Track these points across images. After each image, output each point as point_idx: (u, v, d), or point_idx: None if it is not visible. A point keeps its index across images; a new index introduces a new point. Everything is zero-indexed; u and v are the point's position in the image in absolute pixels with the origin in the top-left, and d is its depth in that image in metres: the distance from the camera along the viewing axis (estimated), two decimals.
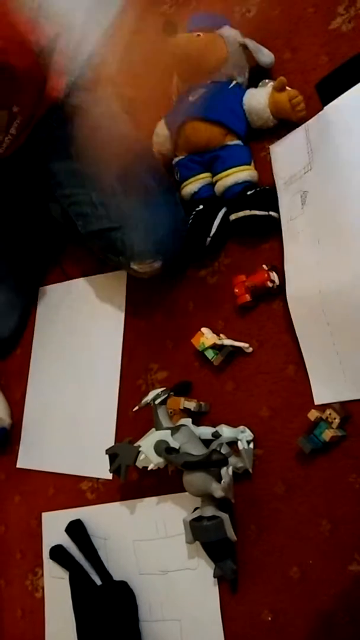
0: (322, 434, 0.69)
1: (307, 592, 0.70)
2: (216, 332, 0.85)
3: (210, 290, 0.90)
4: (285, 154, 0.81)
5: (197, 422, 0.83)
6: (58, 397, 1.08)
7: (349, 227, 0.68)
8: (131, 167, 0.88)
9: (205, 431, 0.80)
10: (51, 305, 1.15)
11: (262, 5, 0.95)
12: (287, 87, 0.82)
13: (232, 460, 0.76)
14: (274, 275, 0.79)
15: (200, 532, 0.74)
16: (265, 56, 0.87)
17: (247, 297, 0.81)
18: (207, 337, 0.83)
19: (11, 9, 0.85)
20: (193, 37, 0.85)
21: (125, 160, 0.88)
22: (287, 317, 0.77)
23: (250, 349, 0.82)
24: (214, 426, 0.80)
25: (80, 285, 1.10)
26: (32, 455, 1.10)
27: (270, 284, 0.79)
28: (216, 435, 0.79)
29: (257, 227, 0.83)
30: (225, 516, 0.72)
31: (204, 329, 0.85)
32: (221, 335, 0.84)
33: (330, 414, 0.69)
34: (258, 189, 0.83)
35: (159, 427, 0.82)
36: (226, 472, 0.72)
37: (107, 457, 0.86)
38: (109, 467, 0.85)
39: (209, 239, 0.86)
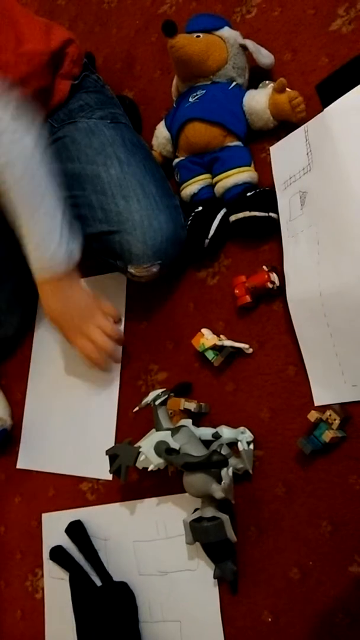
0: (322, 435, 0.69)
1: (307, 593, 0.70)
2: (216, 333, 0.85)
3: (211, 291, 0.90)
4: (285, 155, 0.81)
5: (197, 423, 0.83)
6: (58, 398, 1.08)
7: (348, 228, 0.68)
8: (131, 171, 0.88)
9: (206, 432, 0.80)
10: None
11: (262, 7, 0.95)
12: (287, 89, 0.82)
13: (232, 461, 0.76)
14: (274, 276, 0.79)
15: (201, 533, 0.74)
16: (265, 57, 0.87)
17: (247, 298, 0.81)
18: (207, 338, 0.83)
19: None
20: (193, 38, 0.85)
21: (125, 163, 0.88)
22: (287, 318, 0.77)
23: (251, 350, 0.82)
24: (214, 427, 0.80)
25: None
26: (32, 456, 1.10)
27: (270, 285, 0.79)
28: (216, 436, 0.79)
29: (257, 228, 0.83)
30: (225, 517, 0.72)
31: (204, 330, 0.85)
32: (221, 336, 0.84)
33: (330, 415, 0.69)
34: (258, 190, 0.83)
35: (159, 428, 0.82)
36: (226, 473, 0.72)
37: (107, 457, 0.86)
38: (109, 468, 0.86)
39: (207, 240, 0.87)
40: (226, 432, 0.78)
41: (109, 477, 0.93)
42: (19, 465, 1.10)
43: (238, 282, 0.82)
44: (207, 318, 0.89)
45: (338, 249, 0.70)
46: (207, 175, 0.90)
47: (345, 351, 0.70)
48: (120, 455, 0.84)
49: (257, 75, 0.90)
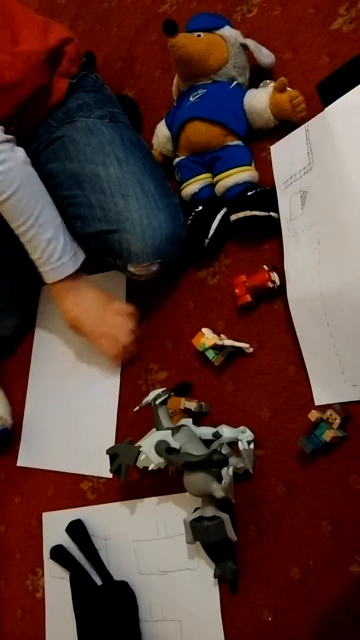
0: (322, 435, 0.69)
1: (308, 592, 0.70)
2: (217, 332, 0.85)
3: (211, 290, 0.90)
4: (285, 154, 0.81)
5: (197, 423, 0.83)
6: (58, 396, 1.08)
7: (349, 227, 0.68)
8: (130, 170, 0.88)
9: (206, 431, 0.80)
10: (52, 306, 1.15)
11: (263, 6, 0.95)
12: (288, 88, 0.82)
13: (233, 460, 0.76)
14: (275, 276, 0.79)
15: (201, 532, 0.74)
16: (266, 57, 0.87)
17: (248, 298, 0.81)
18: (207, 338, 0.83)
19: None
20: (194, 38, 0.85)
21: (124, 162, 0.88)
22: (287, 317, 0.77)
23: (251, 350, 0.82)
24: (215, 426, 0.80)
25: None
26: (32, 454, 1.10)
27: (270, 285, 0.79)
28: (217, 436, 0.79)
29: (258, 227, 0.83)
30: (225, 516, 0.72)
31: (204, 330, 0.85)
32: (222, 335, 0.84)
33: (330, 415, 0.69)
34: (258, 190, 0.83)
35: (159, 428, 0.82)
36: (227, 473, 0.72)
37: (107, 455, 0.87)
38: (109, 467, 0.86)
39: (207, 240, 0.86)
40: (226, 432, 0.78)
41: (109, 475, 0.93)
42: (19, 463, 1.11)
43: (238, 282, 0.82)
44: (208, 317, 0.89)
45: (339, 248, 0.69)
46: (208, 175, 0.90)
47: (345, 351, 0.70)
48: (121, 455, 0.84)
49: (258, 75, 0.90)
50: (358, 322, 0.67)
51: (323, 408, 0.71)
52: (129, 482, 0.89)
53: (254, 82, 0.90)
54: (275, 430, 0.77)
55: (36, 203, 0.86)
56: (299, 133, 0.79)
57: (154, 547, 0.86)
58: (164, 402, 0.84)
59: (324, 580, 0.69)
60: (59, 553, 0.96)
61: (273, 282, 0.79)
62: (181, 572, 0.82)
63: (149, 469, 0.79)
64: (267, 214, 0.81)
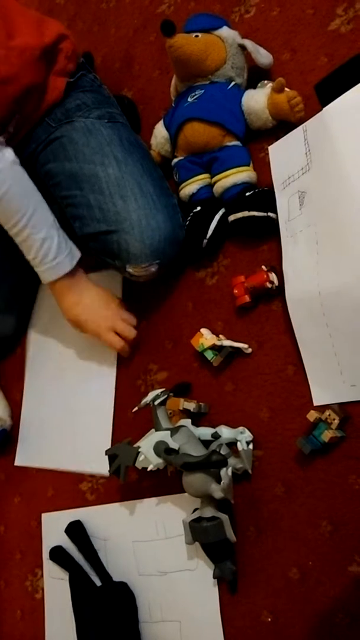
0: (321, 435, 0.69)
1: (307, 593, 0.70)
2: (215, 332, 0.85)
3: (210, 291, 0.90)
4: (283, 154, 0.81)
5: (196, 423, 0.83)
6: (55, 395, 1.09)
7: (347, 227, 0.68)
8: (129, 170, 0.88)
9: (205, 432, 0.80)
10: (47, 304, 1.15)
11: (261, 6, 0.95)
12: (286, 88, 0.82)
13: (232, 461, 0.76)
14: (273, 276, 0.79)
15: (200, 533, 0.74)
16: (264, 57, 0.87)
17: (247, 298, 0.81)
18: (206, 338, 0.83)
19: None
20: (192, 38, 0.85)
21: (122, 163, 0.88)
22: (286, 318, 0.77)
23: (250, 350, 0.82)
24: (214, 427, 0.80)
25: None
26: (30, 453, 1.10)
27: (269, 285, 0.79)
28: (216, 436, 0.79)
29: (256, 228, 0.83)
30: (224, 517, 0.72)
31: (203, 330, 0.85)
32: (220, 336, 0.84)
33: (329, 415, 0.69)
34: (257, 190, 0.83)
35: (158, 428, 0.82)
36: (226, 473, 0.72)
37: (103, 452, 0.87)
38: (108, 467, 0.86)
39: (205, 241, 0.86)
40: (225, 432, 0.78)
41: (105, 472, 0.93)
42: (17, 462, 1.11)
43: (237, 282, 0.82)
44: (206, 318, 0.89)
45: (337, 248, 0.69)
46: (206, 175, 0.90)
47: (344, 351, 0.70)
48: (120, 455, 0.84)
49: (256, 75, 0.90)
50: (356, 322, 0.67)
51: (322, 408, 0.71)
52: (128, 482, 0.89)
53: (252, 82, 0.90)
54: (274, 430, 0.77)
55: (28, 203, 0.86)
56: (297, 133, 0.79)
57: (153, 547, 0.86)
58: (162, 403, 0.84)
59: (323, 581, 0.69)
60: (58, 554, 0.96)
61: (271, 282, 0.79)
62: (180, 573, 0.82)
63: (148, 469, 0.80)
64: (265, 214, 0.81)
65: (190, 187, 0.90)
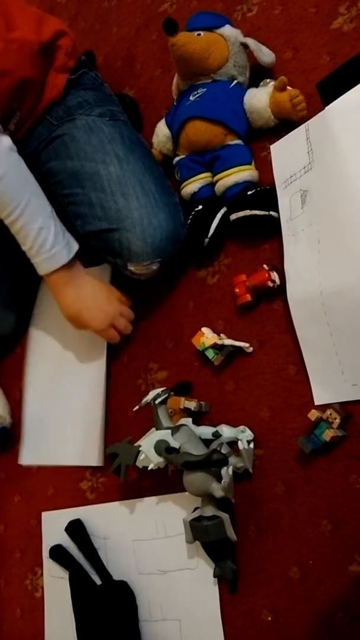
0: (322, 434, 0.69)
1: (307, 592, 0.70)
2: (216, 331, 0.85)
3: (211, 290, 0.90)
4: (285, 153, 0.81)
5: (197, 422, 0.83)
6: (53, 392, 1.09)
7: (349, 226, 0.68)
8: (130, 169, 0.88)
9: (206, 431, 0.80)
10: (47, 303, 1.15)
11: (263, 5, 0.95)
12: (288, 87, 0.82)
13: (232, 460, 0.76)
14: (275, 275, 0.79)
15: (200, 532, 0.74)
16: (266, 56, 0.87)
17: (248, 297, 0.81)
18: (207, 337, 0.83)
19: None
20: (194, 37, 0.85)
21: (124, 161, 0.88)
22: (287, 317, 0.77)
23: (251, 349, 0.82)
24: (214, 426, 0.80)
25: None
26: (33, 452, 1.10)
27: (270, 284, 0.79)
28: (216, 435, 0.78)
29: (258, 227, 0.83)
30: (225, 516, 0.72)
31: (204, 329, 0.85)
32: (221, 335, 0.84)
33: (330, 414, 0.69)
34: (258, 189, 0.83)
35: (159, 427, 0.82)
36: (226, 472, 0.72)
37: (91, 445, 0.87)
38: (97, 459, 0.86)
39: (207, 239, 0.86)
40: (226, 431, 0.78)
41: (97, 463, 0.95)
42: (22, 462, 1.10)
43: (238, 281, 0.82)
44: (207, 317, 0.89)
45: (339, 247, 0.69)
46: (208, 174, 0.90)
47: (345, 350, 0.70)
48: (120, 454, 0.84)
49: (258, 74, 0.90)
50: (358, 321, 0.67)
51: (323, 407, 0.71)
52: (128, 481, 0.89)
53: (254, 81, 0.90)
54: (275, 429, 0.77)
55: (24, 191, 0.85)
56: (299, 132, 0.79)
57: (154, 546, 0.86)
58: (163, 402, 0.84)
59: (324, 580, 0.69)
60: (58, 553, 0.96)
61: (273, 281, 0.79)
62: (181, 572, 0.82)
63: (149, 468, 0.79)
64: (267, 213, 0.80)
65: (191, 186, 0.90)
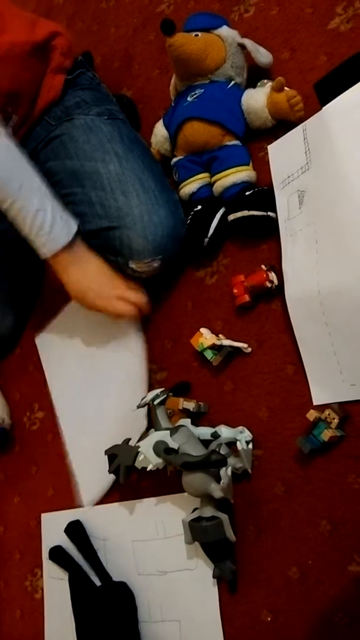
0: (321, 434, 0.69)
1: (307, 592, 0.70)
2: (215, 332, 0.85)
3: (209, 290, 0.90)
4: (283, 154, 0.81)
5: (196, 423, 0.83)
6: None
7: (347, 226, 0.68)
8: (130, 167, 0.88)
9: (204, 431, 0.80)
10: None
11: (260, 5, 0.95)
12: (286, 87, 0.82)
13: (231, 460, 0.76)
14: (273, 276, 0.79)
15: (200, 532, 0.74)
16: (264, 56, 0.87)
17: (246, 298, 0.81)
18: (206, 338, 0.83)
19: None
20: (191, 37, 0.85)
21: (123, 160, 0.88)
22: (286, 317, 0.77)
23: (249, 349, 0.82)
24: (213, 426, 0.80)
25: None
26: (91, 489, 0.99)
27: (269, 284, 0.79)
28: (215, 436, 0.78)
29: (256, 227, 0.83)
30: (224, 517, 0.72)
31: (202, 329, 0.85)
32: (220, 335, 0.84)
33: (329, 414, 0.69)
34: (256, 190, 0.83)
35: (158, 428, 0.82)
36: (225, 473, 0.72)
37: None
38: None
39: (206, 239, 0.86)
40: (225, 432, 0.78)
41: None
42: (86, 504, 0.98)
43: (237, 282, 0.82)
44: (206, 317, 0.89)
45: (337, 247, 0.69)
46: (206, 174, 0.90)
47: (343, 350, 0.70)
48: (119, 455, 0.84)
49: (256, 74, 0.90)
50: (356, 321, 0.67)
51: (321, 407, 0.71)
52: (127, 482, 0.89)
53: (252, 81, 0.90)
54: (274, 430, 0.77)
55: (18, 173, 0.83)
56: (296, 132, 0.79)
57: (153, 547, 0.86)
58: (162, 403, 0.84)
59: (323, 580, 0.69)
60: (57, 554, 0.96)
61: (271, 281, 0.79)
62: (180, 573, 0.82)
63: (148, 469, 0.79)
64: (265, 213, 0.81)
65: (190, 187, 0.90)
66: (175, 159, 0.93)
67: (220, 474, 0.72)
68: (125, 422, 0.92)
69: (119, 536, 0.91)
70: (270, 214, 0.80)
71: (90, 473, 0.98)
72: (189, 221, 0.88)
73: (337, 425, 0.69)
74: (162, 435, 0.79)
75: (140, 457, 0.80)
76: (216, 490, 0.71)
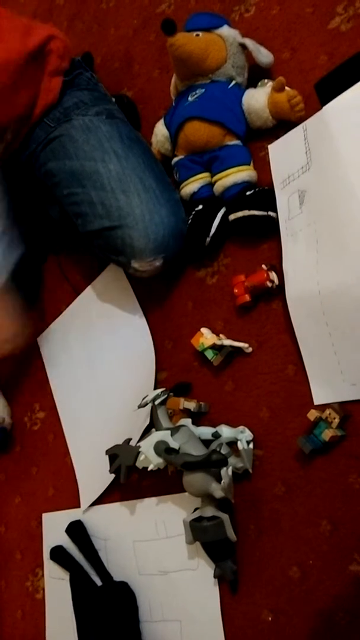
0: (321, 434, 0.69)
1: (307, 592, 0.70)
2: (216, 332, 0.85)
3: (210, 290, 0.90)
4: (283, 153, 0.81)
5: (196, 423, 0.83)
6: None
7: (347, 226, 0.68)
8: (130, 166, 0.88)
9: (205, 431, 0.80)
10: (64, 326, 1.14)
11: (261, 5, 0.95)
12: (286, 87, 0.82)
13: (232, 460, 0.76)
14: (273, 275, 0.79)
15: (200, 532, 0.74)
16: (265, 56, 0.87)
17: (247, 297, 0.81)
18: (206, 337, 0.83)
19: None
20: (192, 37, 0.85)
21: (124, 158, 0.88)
22: (286, 317, 0.77)
23: (250, 349, 0.82)
24: (214, 426, 0.80)
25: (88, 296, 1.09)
26: (90, 493, 0.98)
27: (269, 284, 0.79)
28: (216, 436, 0.78)
29: (256, 227, 0.83)
30: (225, 516, 0.72)
31: (203, 329, 0.85)
32: (221, 335, 0.84)
33: (329, 414, 0.69)
34: (257, 189, 0.83)
35: (158, 428, 0.82)
36: (226, 473, 0.72)
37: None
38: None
39: (208, 239, 0.86)
40: (226, 432, 0.78)
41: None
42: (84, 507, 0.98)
43: (237, 281, 0.82)
44: (206, 317, 0.89)
45: (337, 247, 0.69)
46: (207, 174, 0.90)
47: (344, 350, 0.70)
48: (120, 455, 0.84)
49: (256, 74, 0.90)
50: (356, 321, 0.67)
51: (322, 407, 0.71)
52: (128, 482, 0.89)
53: (253, 81, 0.90)
54: (275, 429, 0.77)
55: None
56: (297, 132, 0.79)
57: (154, 547, 0.86)
58: (163, 403, 0.84)
59: (324, 580, 0.69)
60: (58, 554, 0.96)
61: (272, 281, 0.79)
62: (181, 573, 0.82)
63: (148, 469, 0.79)
64: (265, 213, 0.81)
65: (191, 186, 0.90)
66: (175, 159, 0.93)
67: (221, 473, 0.72)
68: (127, 422, 0.92)
69: (120, 536, 0.91)
70: (271, 213, 0.80)
71: (91, 473, 0.98)
72: (190, 221, 0.88)
73: (338, 425, 0.69)
74: (162, 435, 0.79)
75: (141, 457, 0.80)
76: (217, 490, 0.71)
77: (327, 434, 0.69)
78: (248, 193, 0.82)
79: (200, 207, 0.88)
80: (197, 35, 0.86)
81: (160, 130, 0.95)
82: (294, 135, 0.79)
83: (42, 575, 1.01)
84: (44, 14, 1.44)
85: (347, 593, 0.67)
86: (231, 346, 0.82)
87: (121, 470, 0.83)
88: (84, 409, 1.04)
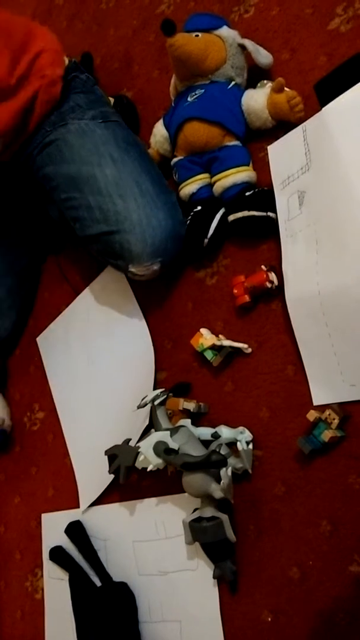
0: (321, 435, 0.69)
1: (307, 592, 0.70)
2: (215, 332, 0.85)
3: (209, 291, 0.90)
4: (283, 154, 0.81)
5: (196, 423, 0.83)
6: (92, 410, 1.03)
7: (347, 227, 0.68)
8: (126, 169, 0.88)
9: (205, 432, 0.80)
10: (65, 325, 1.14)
11: (260, 6, 0.95)
12: (286, 88, 0.82)
13: (232, 461, 0.76)
14: (273, 276, 0.79)
15: (200, 533, 0.74)
16: (264, 57, 0.87)
17: (246, 298, 0.81)
18: (206, 338, 0.83)
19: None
20: (192, 38, 0.85)
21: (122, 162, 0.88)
22: (286, 317, 0.77)
23: (250, 350, 0.82)
24: (213, 427, 0.80)
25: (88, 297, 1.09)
26: (91, 491, 0.98)
27: (269, 285, 0.79)
28: (215, 436, 0.78)
29: (256, 227, 0.83)
30: (224, 517, 0.72)
31: (203, 330, 0.85)
32: (220, 336, 0.84)
33: (329, 415, 0.69)
34: (256, 190, 0.83)
35: (158, 428, 0.82)
36: (225, 473, 0.72)
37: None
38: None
39: (206, 240, 0.86)
40: (225, 432, 0.78)
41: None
42: (84, 507, 0.98)
43: (237, 282, 0.82)
44: (206, 318, 0.89)
45: (337, 248, 0.69)
46: (206, 175, 0.90)
47: (343, 350, 0.70)
48: (120, 456, 0.84)
49: (256, 75, 0.90)
50: (356, 321, 0.67)
51: (321, 408, 0.71)
52: (127, 482, 0.89)
53: (252, 82, 0.90)
54: (274, 430, 0.77)
55: None
56: (296, 133, 0.79)
57: (154, 547, 0.86)
58: (162, 403, 0.84)
59: (323, 580, 0.69)
60: (58, 554, 0.96)
61: (271, 282, 0.79)
62: (181, 573, 0.82)
63: (148, 469, 0.79)
64: (265, 214, 0.81)
65: (190, 187, 0.90)
66: (175, 159, 0.93)
67: (220, 474, 0.72)
68: (126, 422, 0.92)
69: (119, 536, 0.91)
70: (270, 214, 0.80)
71: (91, 473, 0.98)
72: (188, 222, 0.88)
73: (338, 426, 0.69)
74: (162, 435, 0.79)
75: (141, 458, 0.80)
76: (216, 491, 0.71)
77: (326, 435, 0.69)
78: (247, 194, 0.83)
79: (199, 208, 0.88)
80: (197, 35, 0.86)
81: (160, 131, 0.95)
82: (294, 136, 0.79)
83: (42, 575, 1.01)
84: (43, 14, 1.44)
85: (347, 594, 0.67)
86: (231, 347, 0.82)
87: (120, 470, 0.83)
88: (84, 409, 1.04)
